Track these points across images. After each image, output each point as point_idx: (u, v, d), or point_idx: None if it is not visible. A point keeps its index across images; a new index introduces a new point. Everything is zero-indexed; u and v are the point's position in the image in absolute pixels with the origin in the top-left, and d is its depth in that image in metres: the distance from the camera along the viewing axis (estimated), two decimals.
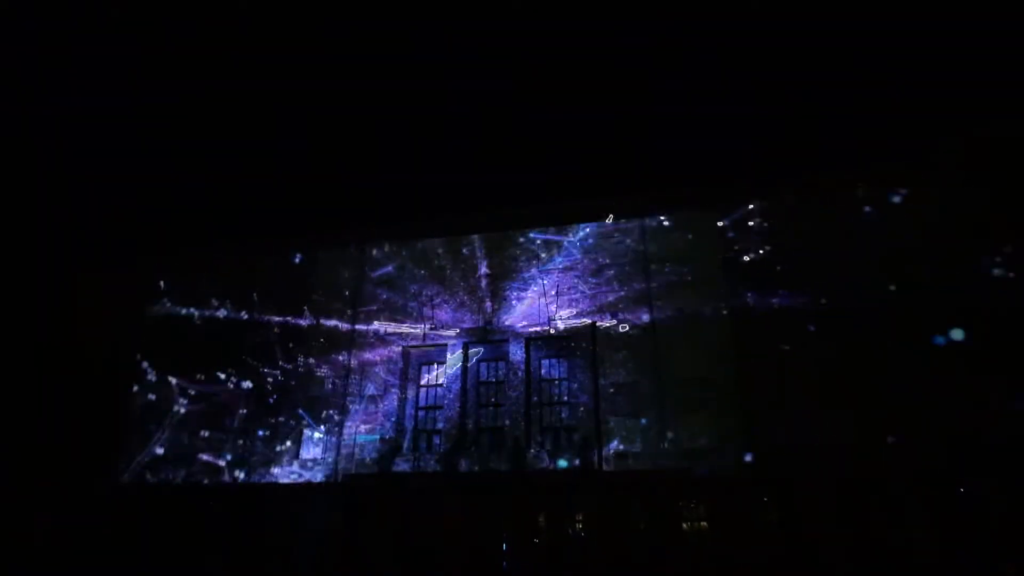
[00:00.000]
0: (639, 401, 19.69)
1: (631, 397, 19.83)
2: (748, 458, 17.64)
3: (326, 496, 19.93)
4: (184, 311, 23.60)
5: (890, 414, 16.27)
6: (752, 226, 20.02)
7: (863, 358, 17.15)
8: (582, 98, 17.57)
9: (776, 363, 18.00)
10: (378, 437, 21.26)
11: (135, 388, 22.68)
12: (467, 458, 20.40)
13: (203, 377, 22.59)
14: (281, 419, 21.77)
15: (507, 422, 21.13)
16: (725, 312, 19.38)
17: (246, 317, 23.11)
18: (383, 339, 22.67)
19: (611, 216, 21.35)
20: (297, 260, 24.02)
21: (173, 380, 22.64)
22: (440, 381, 22.47)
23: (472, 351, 22.49)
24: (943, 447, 15.50)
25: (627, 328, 20.42)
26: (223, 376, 22.54)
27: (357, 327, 22.84)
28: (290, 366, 22.39)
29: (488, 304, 22.30)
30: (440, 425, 21.87)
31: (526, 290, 22.11)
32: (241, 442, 21.55)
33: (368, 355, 22.51)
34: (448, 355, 22.43)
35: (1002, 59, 14.33)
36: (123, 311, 23.25)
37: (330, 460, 21.15)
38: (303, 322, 23.05)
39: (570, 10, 13.97)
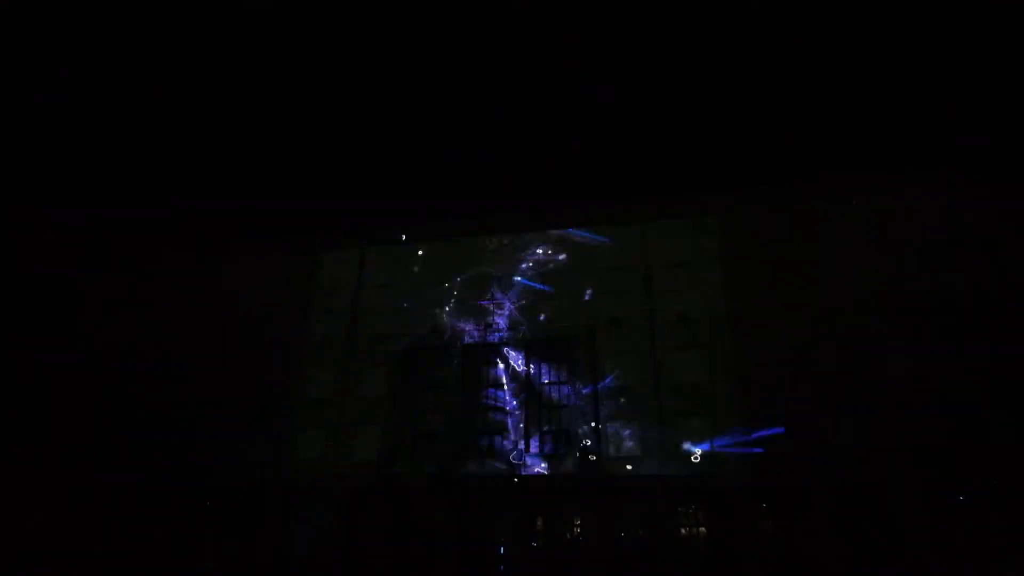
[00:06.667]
0: (638, 405, 19.63)
1: (630, 401, 19.78)
2: (748, 463, 17.55)
3: (325, 497, 19.83)
4: None
5: (889, 419, 16.21)
6: (753, 231, 20.04)
7: (862, 364, 17.12)
8: (585, 103, 17.66)
9: (775, 368, 17.95)
10: None
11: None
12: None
13: None
14: None
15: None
16: (724, 317, 19.37)
17: None
18: None
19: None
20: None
21: None
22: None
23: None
24: (941, 453, 15.43)
25: (627, 331, 20.39)
26: None
27: None
28: None
29: (488, 308, 22.29)
30: None
31: (527, 295, 22.11)
32: None
33: None
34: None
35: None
36: (124, 309, 23.28)
37: None
38: None
39: (572, 13, 14.10)
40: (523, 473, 19.49)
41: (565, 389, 21.47)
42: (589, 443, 19.22)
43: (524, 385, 21.25)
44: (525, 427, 20.71)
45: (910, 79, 14.51)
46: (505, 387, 21.64)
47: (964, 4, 12.58)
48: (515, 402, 21.16)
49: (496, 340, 22.00)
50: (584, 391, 20.41)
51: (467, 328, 22.31)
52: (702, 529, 17.62)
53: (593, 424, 19.59)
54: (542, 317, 21.63)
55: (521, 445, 20.22)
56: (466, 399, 21.82)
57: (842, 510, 16.03)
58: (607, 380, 20.12)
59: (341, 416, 21.74)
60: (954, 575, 14.18)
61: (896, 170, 17.52)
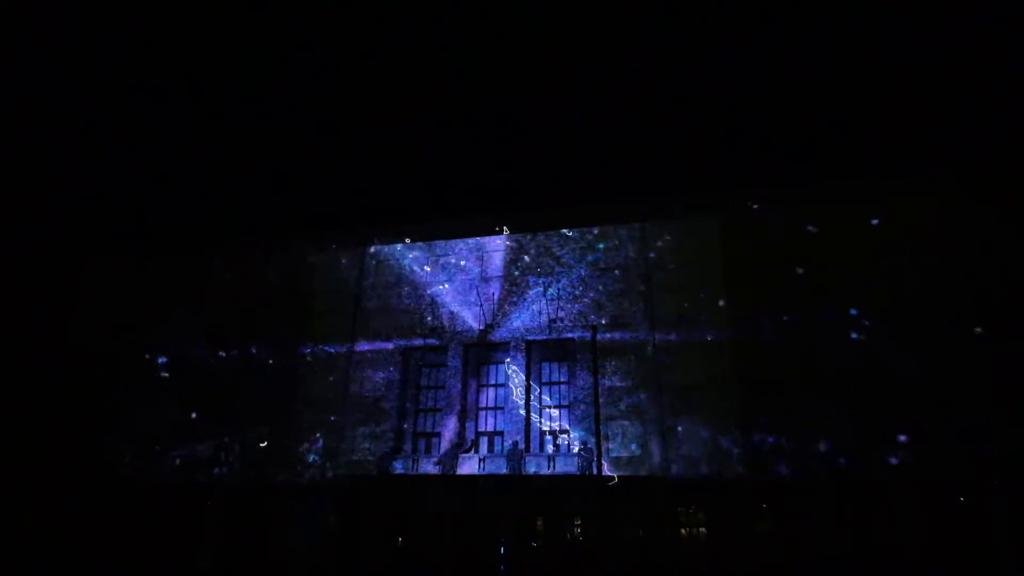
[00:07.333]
0: (638, 406, 19.66)
1: (630, 402, 19.80)
2: (748, 464, 17.59)
3: (325, 496, 19.84)
4: None
5: (889, 420, 16.22)
6: (753, 234, 20.04)
7: (862, 365, 17.13)
8: (587, 100, 17.64)
9: (775, 369, 17.95)
10: None
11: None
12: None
13: None
14: None
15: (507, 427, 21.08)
16: (725, 318, 19.37)
17: None
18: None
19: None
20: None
21: None
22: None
23: None
24: (941, 453, 15.44)
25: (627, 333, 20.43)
26: None
27: None
28: None
29: (488, 308, 22.30)
30: None
31: (526, 295, 22.12)
32: None
33: None
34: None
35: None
36: (124, 306, 23.27)
37: None
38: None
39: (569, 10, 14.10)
40: (524, 472, 19.53)
41: (565, 389, 21.52)
42: (589, 443, 19.24)
43: (524, 385, 21.29)
44: (525, 427, 20.76)
45: (910, 79, 14.52)
46: (506, 387, 21.68)
47: (964, 4, 12.62)
48: (515, 402, 21.19)
49: (496, 340, 22.03)
50: (584, 391, 20.45)
51: (467, 328, 22.32)
52: (702, 529, 17.62)
53: (593, 424, 19.60)
54: (543, 317, 21.64)
55: (521, 445, 20.26)
56: (466, 399, 21.89)
57: (842, 510, 16.02)
58: (607, 380, 20.14)
59: (341, 416, 21.77)
60: (954, 575, 14.18)
61: (896, 171, 17.52)
